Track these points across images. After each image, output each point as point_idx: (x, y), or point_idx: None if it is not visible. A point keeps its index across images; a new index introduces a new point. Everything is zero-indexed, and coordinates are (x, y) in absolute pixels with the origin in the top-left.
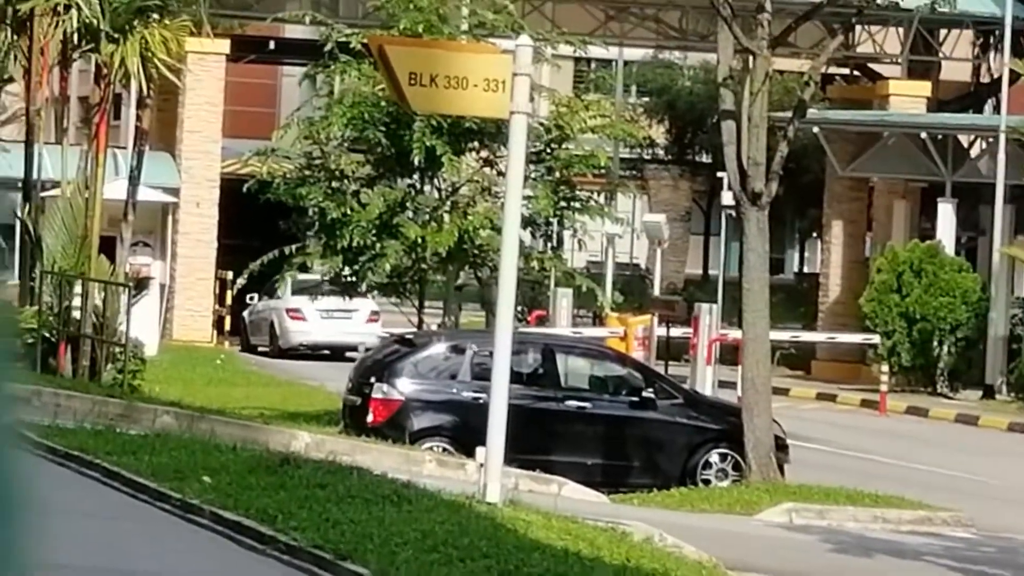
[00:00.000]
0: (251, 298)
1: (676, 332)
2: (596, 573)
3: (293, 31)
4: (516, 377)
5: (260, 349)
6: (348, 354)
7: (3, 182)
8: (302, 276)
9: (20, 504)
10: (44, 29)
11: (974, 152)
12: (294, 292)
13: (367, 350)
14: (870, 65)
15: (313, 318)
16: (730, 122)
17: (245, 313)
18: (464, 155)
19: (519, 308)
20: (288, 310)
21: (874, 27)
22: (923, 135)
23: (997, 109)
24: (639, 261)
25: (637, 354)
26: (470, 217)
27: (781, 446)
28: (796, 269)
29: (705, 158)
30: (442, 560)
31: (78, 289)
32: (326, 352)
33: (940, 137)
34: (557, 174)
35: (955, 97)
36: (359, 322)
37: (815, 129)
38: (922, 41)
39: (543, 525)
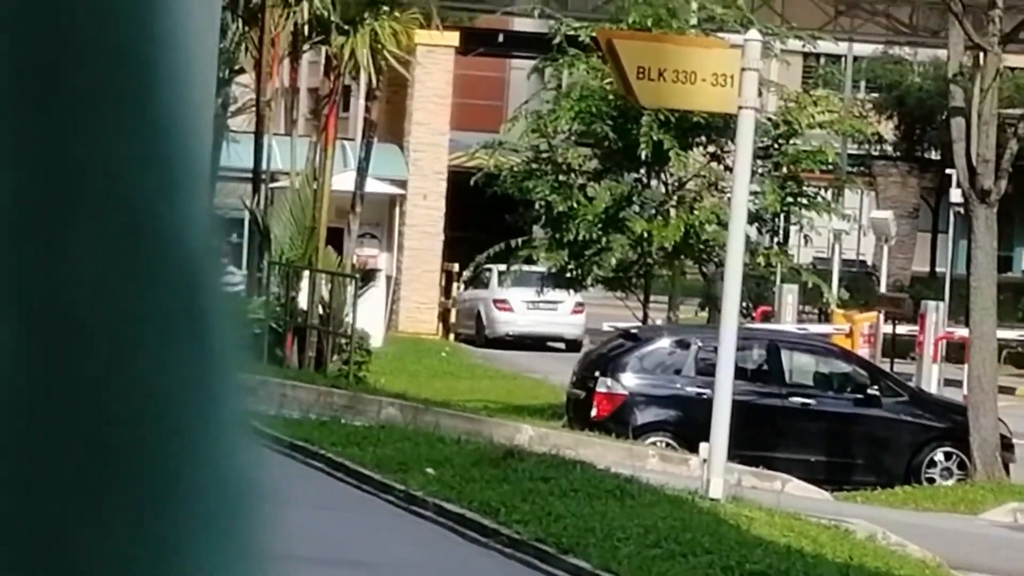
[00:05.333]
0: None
1: (902, 329)
2: (819, 570)
3: (522, 24)
4: (740, 373)
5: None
6: (551, 344)
7: (232, 173)
8: (511, 267)
9: (252, 495)
10: (275, 20)
11: None
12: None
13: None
14: None
15: (520, 308)
16: (960, 119)
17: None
18: (691, 150)
19: (744, 304)
20: (495, 300)
21: None
22: None
23: None
24: (865, 258)
25: (863, 351)
26: (696, 212)
27: (1007, 445)
28: None
29: (934, 155)
30: (664, 555)
31: (305, 280)
32: (528, 342)
33: None
34: (784, 169)
35: None
36: (564, 313)
37: None
38: None
39: (766, 522)
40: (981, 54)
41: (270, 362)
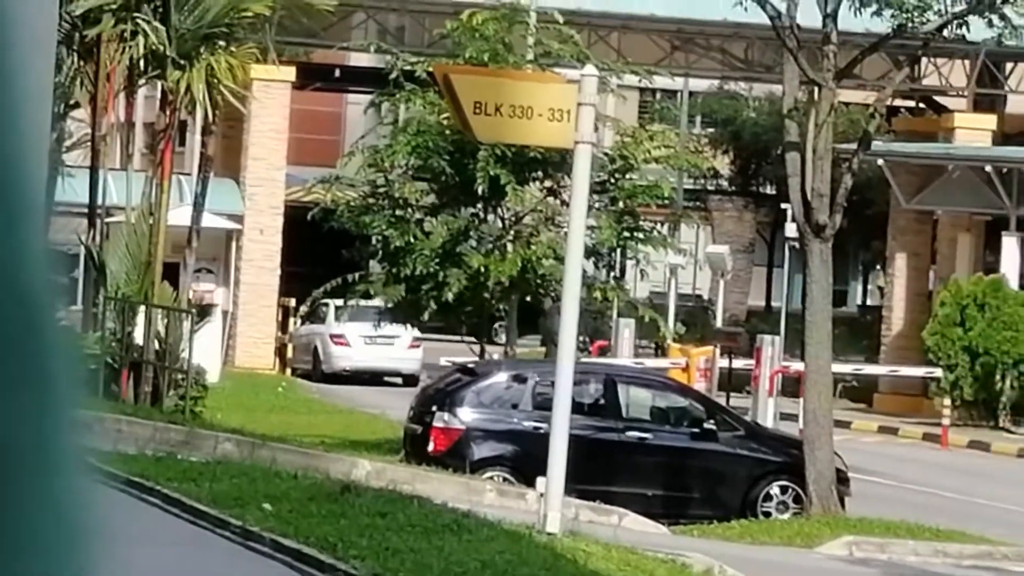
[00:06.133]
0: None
1: (738, 364)
2: None
3: (359, 59)
4: (577, 407)
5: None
6: (388, 379)
7: (68, 208)
8: (348, 302)
9: (86, 531)
10: (111, 55)
11: None
12: (340, 319)
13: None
14: (936, 98)
15: (356, 344)
16: (795, 154)
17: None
18: (528, 184)
19: (581, 338)
20: (332, 335)
21: (940, 60)
22: (988, 168)
23: None
24: (702, 292)
25: (699, 385)
26: (533, 247)
27: (842, 479)
28: (859, 302)
29: (769, 189)
30: None
31: (141, 315)
32: (365, 376)
33: (1005, 171)
34: (621, 204)
35: (1021, 131)
36: (401, 348)
37: (880, 161)
38: (988, 74)
39: (603, 556)
40: (816, 89)
41: (105, 397)
